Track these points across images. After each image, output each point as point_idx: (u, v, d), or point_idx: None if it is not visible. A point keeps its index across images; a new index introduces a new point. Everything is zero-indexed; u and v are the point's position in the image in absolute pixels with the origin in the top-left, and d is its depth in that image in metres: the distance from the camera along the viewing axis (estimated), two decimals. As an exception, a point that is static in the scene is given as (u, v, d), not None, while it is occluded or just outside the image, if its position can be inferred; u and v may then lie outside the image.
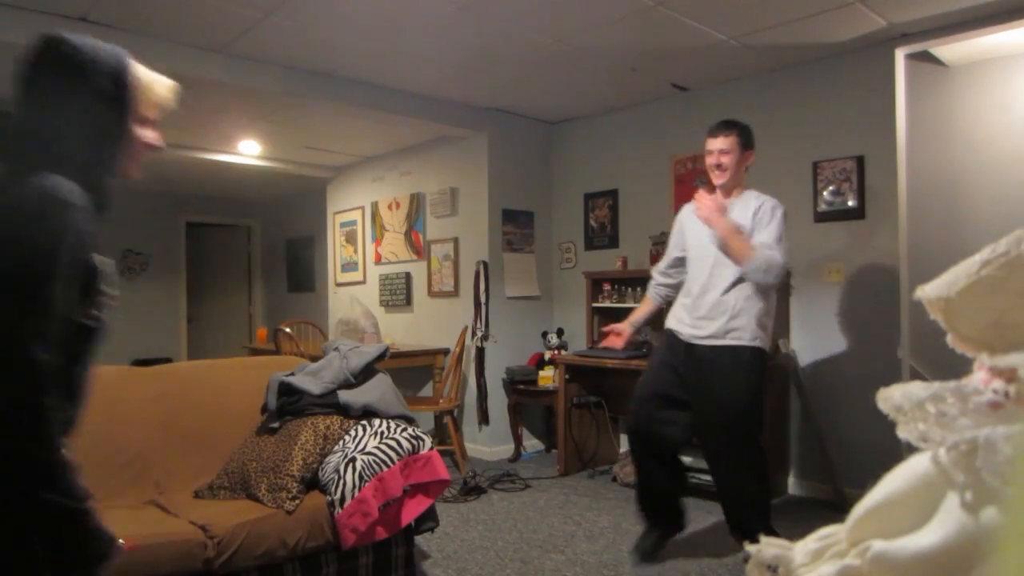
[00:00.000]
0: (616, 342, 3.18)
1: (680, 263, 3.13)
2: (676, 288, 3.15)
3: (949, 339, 0.64)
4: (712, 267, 2.90)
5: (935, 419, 0.56)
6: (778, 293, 4.05)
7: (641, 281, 4.67)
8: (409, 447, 2.55)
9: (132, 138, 1.25)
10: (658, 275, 3.27)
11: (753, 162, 3.01)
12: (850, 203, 3.90)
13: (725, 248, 2.79)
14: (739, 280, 2.83)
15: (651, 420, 2.97)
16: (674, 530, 3.11)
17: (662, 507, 3.07)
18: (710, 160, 2.92)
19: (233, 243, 8.90)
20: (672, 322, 3.04)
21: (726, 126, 2.92)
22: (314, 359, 3.12)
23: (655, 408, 2.96)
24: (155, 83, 1.29)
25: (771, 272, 2.74)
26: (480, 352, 5.01)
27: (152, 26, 3.52)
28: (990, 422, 0.54)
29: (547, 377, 4.88)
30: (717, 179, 2.92)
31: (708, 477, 3.31)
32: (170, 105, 1.31)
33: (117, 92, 1.21)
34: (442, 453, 2.90)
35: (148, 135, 1.29)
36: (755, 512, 2.87)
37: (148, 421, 2.70)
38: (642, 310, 3.27)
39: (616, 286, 4.82)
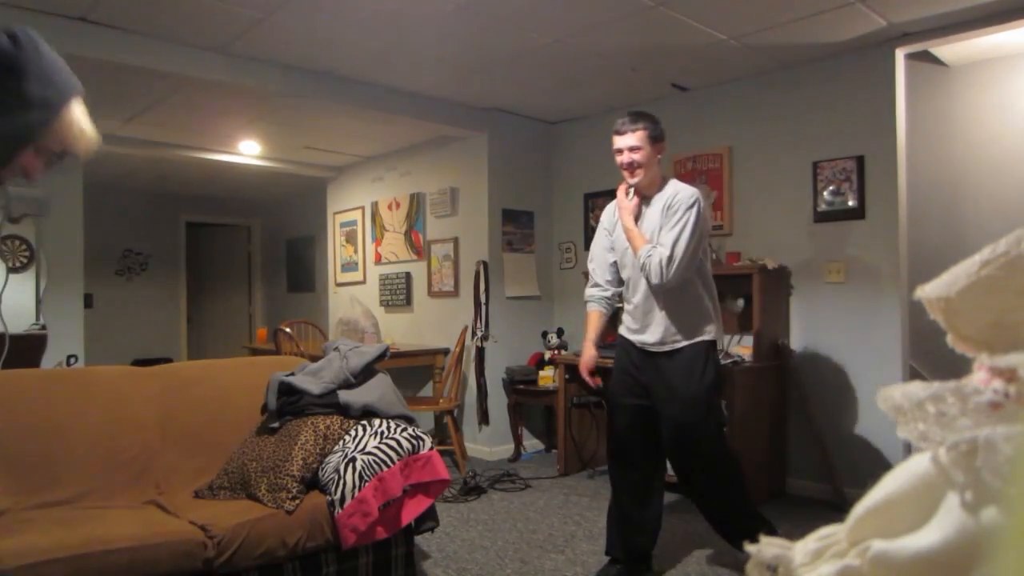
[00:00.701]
0: (595, 380, 2.96)
1: (616, 266, 2.90)
2: (619, 293, 2.93)
3: (949, 339, 0.64)
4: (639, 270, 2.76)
5: (935, 419, 0.56)
6: (779, 293, 4.09)
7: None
8: (409, 447, 2.55)
9: (19, 157, 1.17)
10: (598, 285, 2.95)
11: (665, 152, 2.82)
12: (850, 203, 3.90)
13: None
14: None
15: (627, 448, 2.81)
16: (640, 570, 2.86)
17: (631, 541, 2.84)
18: (620, 159, 2.72)
19: (233, 243, 8.91)
20: (622, 328, 2.89)
21: (632, 120, 2.70)
22: (314, 359, 3.12)
23: (631, 433, 2.81)
24: (83, 131, 1.21)
25: (652, 272, 2.59)
26: (480, 352, 5.01)
27: (152, 26, 3.52)
28: (990, 422, 0.54)
29: (547, 377, 4.88)
30: (632, 178, 2.73)
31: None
32: (81, 156, 1.24)
33: (42, 114, 1.15)
34: (442, 453, 2.90)
35: (35, 166, 1.20)
36: (741, 518, 2.77)
37: (148, 421, 2.70)
38: (593, 325, 2.95)
39: (616, 286, 4.81)
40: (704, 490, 2.83)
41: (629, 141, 2.69)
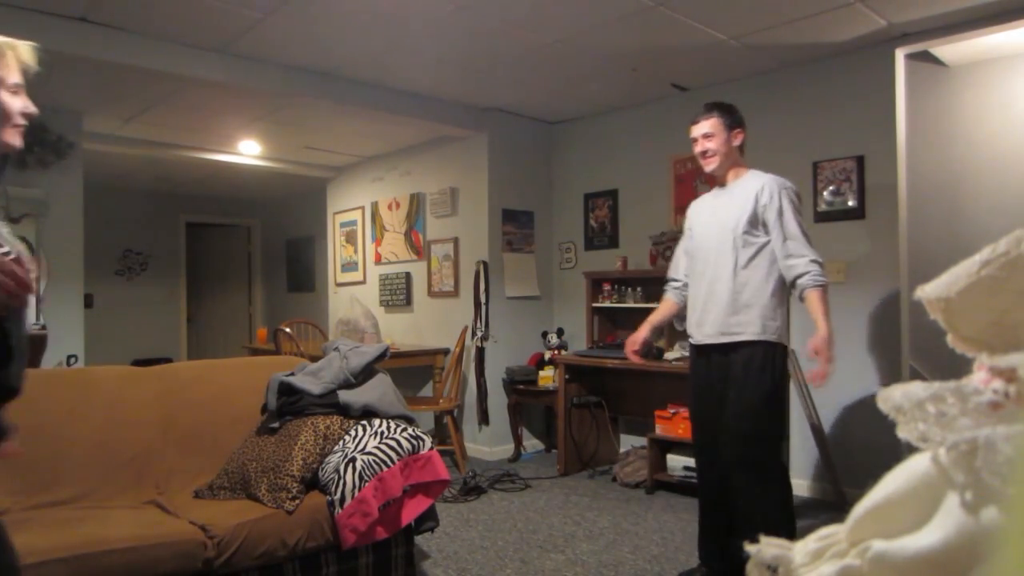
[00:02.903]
0: (636, 359, 2.96)
1: None
2: None
3: (949, 339, 0.64)
4: (716, 252, 2.70)
5: (935, 419, 0.56)
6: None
7: (641, 281, 4.68)
8: (409, 447, 2.55)
9: (3, 108, 1.26)
10: (680, 277, 2.96)
11: (744, 140, 2.76)
12: (850, 203, 3.90)
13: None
14: (746, 264, 2.62)
15: (712, 465, 2.74)
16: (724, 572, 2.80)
17: (716, 547, 2.81)
18: (696, 148, 2.74)
19: (233, 243, 8.91)
20: (689, 327, 2.83)
21: (706, 109, 2.73)
22: (314, 359, 3.12)
23: (711, 447, 2.72)
24: (12, 47, 1.28)
25: (826, 278, 2.56)
26: (480, 352, 5.01)
27: (152, 26, 3.52)
28: (990, 422, 0.54)
29: (547, 377, 4.88)
30: (707, 166, 2.72)
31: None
32: (32, 66, 1.32)
33: None
34: (442, 453, 2.90)
35: (17, 102, 1.29)
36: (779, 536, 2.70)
37: (148, 421, 2.70)
38: (661, 310, 3.00)
39: (616, 286, 4.81)
40: (749, 506, 2.66)
41: (703, 128, 2.69)
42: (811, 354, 2.51)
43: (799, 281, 2.57)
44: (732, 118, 2.71)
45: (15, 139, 1.29)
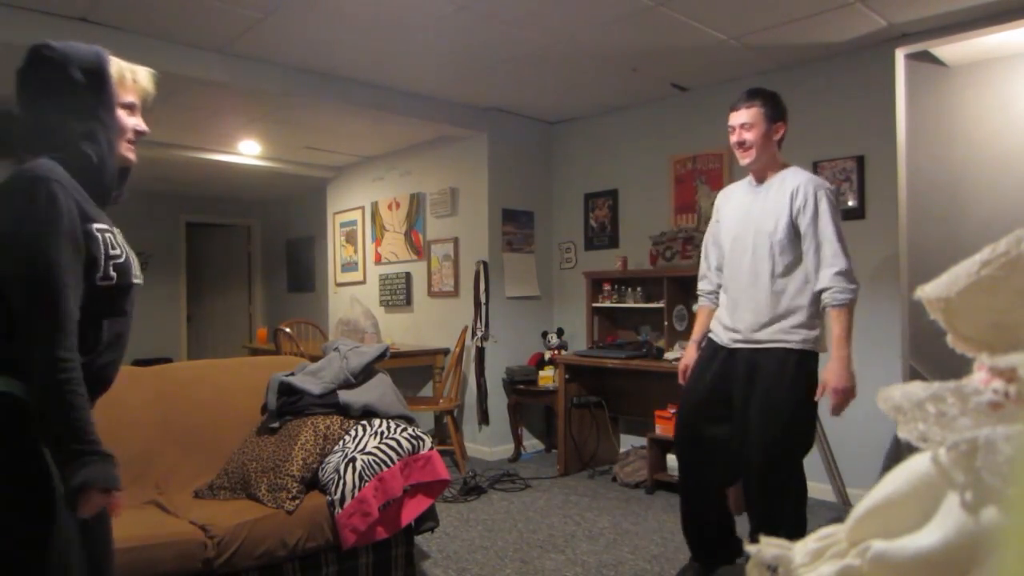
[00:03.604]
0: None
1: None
2: None
3: (949, 339, 0.64)
4: (752, 256, 2.53)
5: (935, 419, 0.56)
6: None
7: (641, 281, 4.68)
8: (409, 447, 2.55)
9: (118, 124, 1.39)
10: (711, 276, 2.81)
11: (784, 133, 2.58)
12: (850, 203, 3.90)
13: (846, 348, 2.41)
14: (784, 272, 2.48)
15: (695, 445, 2.66)
16: (721, 562, 2.73)
17: (706, 538, 2.72)
18: (732, 138, 2.54)
19: (233, 243, 8.91)
20: (713, 325, 2.71)
21: (748, 96, 2.53)
22: (314, 359, 3.12)
23: (697, 433, 2.65)
24: (132, 71, 1.43)
25: (854, 291, 2.40)
26: (480, 352, 5.01)
27: (152, 26, 3.52)
28: (990, 422, 0.54)
29: (547, 377, 4.88)
30: (743, 159, 2.54)
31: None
32: (150, 90, 1.47)
33: (95, 82, 1.35)
34: (442, 453, 2.90)
35: (133, 121, 1.44)
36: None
37: (148, 421, 2.70)
38: (701, 323, 2.82)
39: (616, 286, 4.82)
40: (766, 509, 2.58)
41: (741, 118, 2.51)
42: (820, 387, 2.42)
43: (822, 297, 2.44)
44: (776, 109, 2.53)
45: (130, 153, 1.44)
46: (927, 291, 0.63)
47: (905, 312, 3.20)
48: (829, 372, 2.40)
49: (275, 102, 4.59)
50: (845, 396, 2.38)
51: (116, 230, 1.40)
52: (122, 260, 1.36)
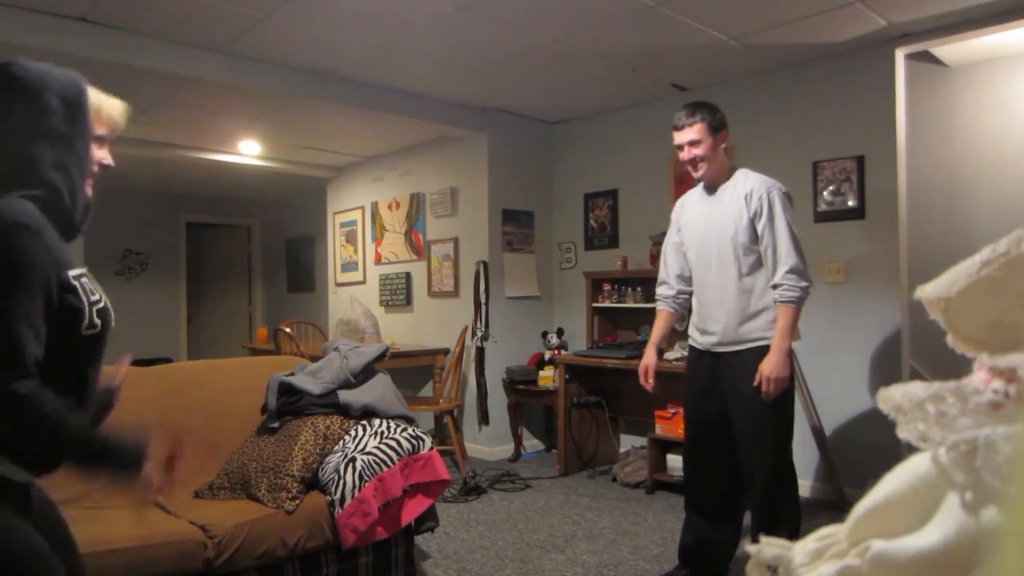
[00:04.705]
0: (650, 386, 2.81)
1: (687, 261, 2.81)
2: (689, 292, 2.85)
3: (949, 339, 0.64)
4: (717, 260, 2.62)
5: (935, 419, 0.56)
6: None
7: (641, 281, 4.68)
8: (409, 447, 2.55)
9: (88, 156, 1.31)
10: (671, 282, 2.87)
11: (728, 140, 2.66)
12: (850, 203, 3.90)
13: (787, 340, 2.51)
14: (750, 270, 2.57)
15: (702, 477, 2.74)
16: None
17: (703, 556, 2.78)
18: (683, 156, 2.61)
19: (233, 243, 8.91)
20: (691, 332, 2.77)
21: (689, 113, 2.57)
22: (314, 359, 3.12)
23: (705, 461, 2.73)
24: (106, 104, 1.36)
25: (804, 289, 2.49)
26: (480, 352, 5.01)
27: (152, 26, 3.52)
28: (990, 422, 0.53)
29: (547, 377, 4.88)
30: (696, 174, 2.62)
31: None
32: (121, 125, 1.39)
33: (72, 112, 1.26)
34: (442, 453, 2.90)
35: (100, 154, 1.36)
36: (787, 532, 2.63)
37: (148, 421, 2.69)
38: (659, 326, 2.89)
39: (616, 286, 4.82)
40: (762, 505, 2.69)
41: (688, 135, 2.57)
42: (756, 375, 2.50)
43: (773, 293, 2.54)
44: (716, 119, 2.59)
45: (88, 188, 1.34)
46: (927, 291, 0.63)
47: (905, 312, 3.20)
48: (767, 362, 2.50)
49: (275, 102, 4.59)
50: (778, 385, 2.49)
51: (86, 270, 1.32)
52: (102, 305, 1.29)
